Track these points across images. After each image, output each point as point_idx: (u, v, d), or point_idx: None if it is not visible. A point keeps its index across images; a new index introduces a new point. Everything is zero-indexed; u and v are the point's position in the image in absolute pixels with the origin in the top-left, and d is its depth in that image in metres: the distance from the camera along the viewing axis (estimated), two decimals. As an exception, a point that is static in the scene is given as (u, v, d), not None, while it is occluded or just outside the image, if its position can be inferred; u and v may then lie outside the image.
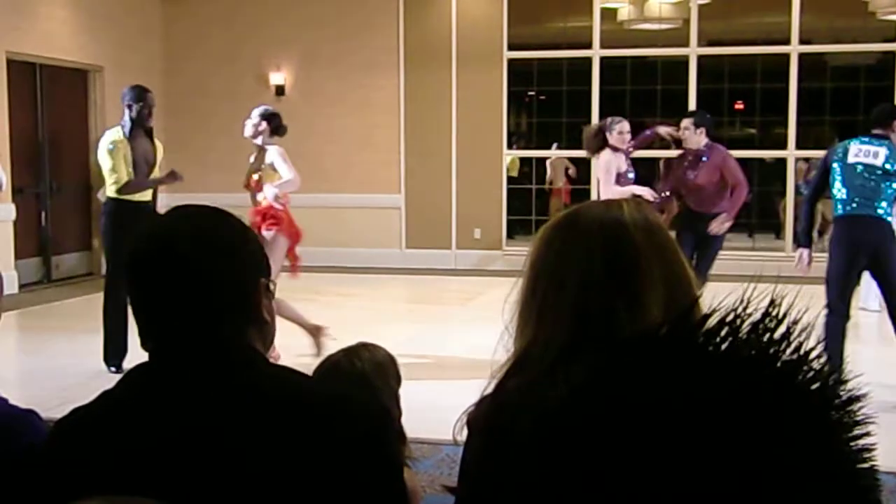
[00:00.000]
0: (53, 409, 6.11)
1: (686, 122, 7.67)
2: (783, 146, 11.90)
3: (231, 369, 1.45)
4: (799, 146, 11.73)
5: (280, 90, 12.62)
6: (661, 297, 1.38)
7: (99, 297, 10.32)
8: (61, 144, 11.57)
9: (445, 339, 8.04)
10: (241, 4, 12.64)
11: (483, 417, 1.41)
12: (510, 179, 12.98)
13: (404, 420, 2.57)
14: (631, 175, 7.74)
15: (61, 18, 11.26)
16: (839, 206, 5.96)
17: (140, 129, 6.81)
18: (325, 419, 1.41)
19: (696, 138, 7.58)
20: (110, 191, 6.71)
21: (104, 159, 6.72)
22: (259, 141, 7.05)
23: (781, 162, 12.24)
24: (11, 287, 10.38)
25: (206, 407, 1.40)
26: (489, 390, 1.42)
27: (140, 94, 6.78)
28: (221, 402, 1.41)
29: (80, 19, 11.51)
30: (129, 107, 6.78)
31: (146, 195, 6.86)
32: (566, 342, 1.36)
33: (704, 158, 7.59)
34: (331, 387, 1.81)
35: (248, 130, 7.06)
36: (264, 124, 7.01)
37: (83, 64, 11.66)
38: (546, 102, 14.25)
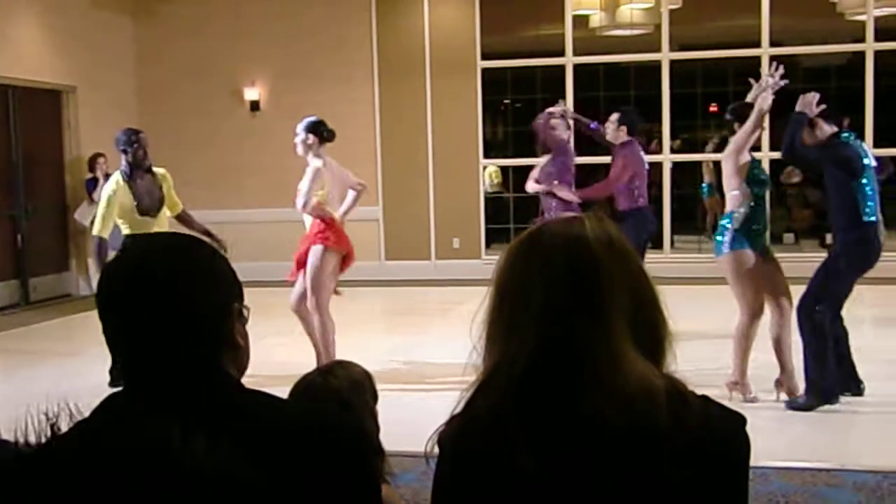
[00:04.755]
0: (35, 433, 6.06)
1: (612, 118, 7.97)
2: (758, 148, 11.96)
3: (205, 394, 1.46)
4: (773, 147, 11.81)
5: (255, 105, 12.61)
6: (627, 311, 1.39)
7: (77, 319, 10.26)
8: (36, 165, 11.52)
9: (427, 349, 8.06)
10: (213, 21, 12.62)
11: (452, 439, 1.42)
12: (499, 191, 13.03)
13: (384, 433, 2.58)
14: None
15: (32, 39, 11.22)
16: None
17: (139, 170, 6.89)
18: (301, 442, 1.42)
19: (616, 133, 7.88)
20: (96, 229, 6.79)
21: (101, 203, 6.86)
22: (310, 156, 6.82)
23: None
24: (-11, 310, 10.33)
25: (180, 433, 1.41)
26: (459, 409, 1.43)
27: (130, 137, 6.89)
28: (196, 428, 1.41)
29: (52, 40, 11.47)
30: (124, 151, 6.88)
31: (149, 227, 6.90)
32: (532, 360, 1.37)
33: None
34: (307, 408, 1.82)
35: (300, 149, 6.84)
36: (311, 137, 6.80)
37: (56, 84, 11.61)
38: (521, 110, 14.30)
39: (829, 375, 5.76)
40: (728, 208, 6.01)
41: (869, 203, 5.76)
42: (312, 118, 6.99)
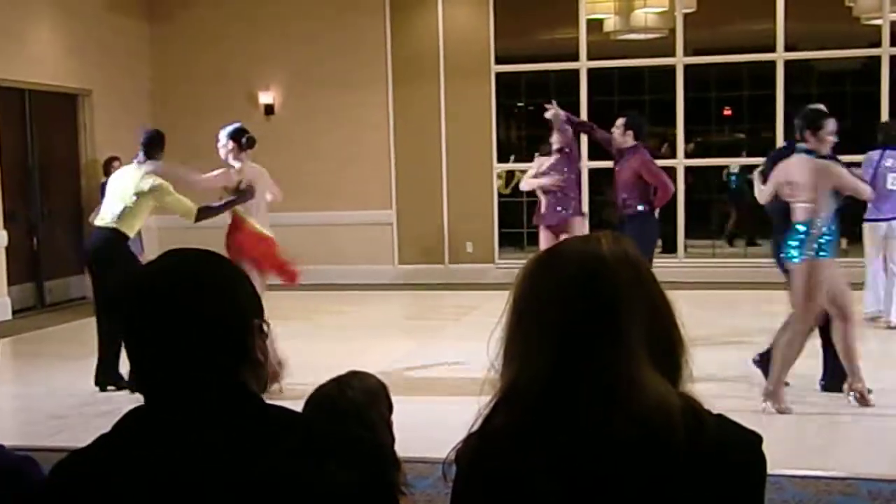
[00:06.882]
0: (50, 437, 6.08)
1: (618, 122, 7.96)
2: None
3: (226, 411, 1.46)
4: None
5: (269, 109, 12.64)
6: (644, 329, 1.39)
7: (91, 322, 10.31)
8: (51, 169, 11.57)
9: (440, 354, 8.05)
10: (228, 25, 12.66)
11: (469, 456, 1.42)
12: (501, 193, 13.04)
13: (399, 440, 2.58)
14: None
15: (48, 43, 11.27)
16: None
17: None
18: (321, 459, 1.43)
19: (623, 138, 7.86)
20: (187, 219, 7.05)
21: (170, 190, 6.98)
22: (232, 161, 7.05)
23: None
24: (5, 313, 10.37)
25: (202, 450, 1.42)
26: (476, 426, 1.44)
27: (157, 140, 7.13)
28: (217, 445, 1.42)
29: (68, 43, 11.53)
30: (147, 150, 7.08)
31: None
32: (550, 378, 1.38)
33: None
34: (327, 426, 1.83)
35: (222, 153, 7.06)
36: (231, 143, 7.01)
37: (71, 88, 11.66)
38: (535, 114, 14.28)
39: None
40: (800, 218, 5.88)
41: None
42: (235, 125, 7.17)
